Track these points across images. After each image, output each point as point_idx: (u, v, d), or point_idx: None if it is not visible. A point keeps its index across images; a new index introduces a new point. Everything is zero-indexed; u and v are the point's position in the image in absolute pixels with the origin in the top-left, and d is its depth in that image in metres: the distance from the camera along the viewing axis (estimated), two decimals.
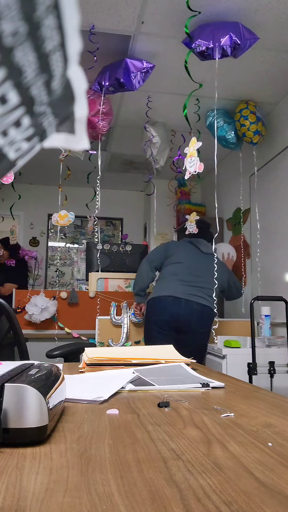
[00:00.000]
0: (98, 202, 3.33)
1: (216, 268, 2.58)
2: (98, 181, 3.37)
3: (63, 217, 3.14)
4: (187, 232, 2.88)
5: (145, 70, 2.86)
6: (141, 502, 0.40)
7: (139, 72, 2.86)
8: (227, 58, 2.60)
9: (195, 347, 2.64)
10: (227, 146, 3.65)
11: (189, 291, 2.70)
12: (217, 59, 2.53)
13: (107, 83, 2.91)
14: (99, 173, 3.21)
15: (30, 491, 0.43)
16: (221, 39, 2.48)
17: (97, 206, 3.31)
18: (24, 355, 1.58)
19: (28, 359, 1.59)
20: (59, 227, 3.37)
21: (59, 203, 3.55)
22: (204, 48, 2.52)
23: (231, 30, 2.50)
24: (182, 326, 2.65)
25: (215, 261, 2.63)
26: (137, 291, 2.96)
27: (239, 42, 2.49)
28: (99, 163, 3.26)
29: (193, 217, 2.92)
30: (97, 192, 3.29)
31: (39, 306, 3.29)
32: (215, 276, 2.56)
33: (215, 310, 2.67)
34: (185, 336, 2.65)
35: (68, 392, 0.81)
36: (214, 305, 2.66)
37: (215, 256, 2.67)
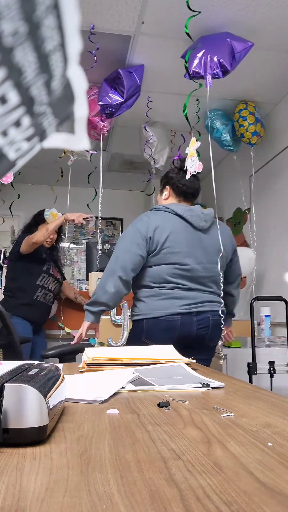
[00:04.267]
0: (100, 202, 3.32)
1: (221, 239, 1.98)
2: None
3: (55, 216, 3.14)
4: (187, 177, 2.01)
5: (117, 78, 2.93)
6: (141, 502, 0.40)
7: (120, 83, 2.93)
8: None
9: (200, 361, 1.58)
10: (224, 147, 3.65)
11: (199, 297, 1.94)
12: (208, 88, 2.57)
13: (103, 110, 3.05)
14: (100, 173, 3.21)
15: (30, 491, 0.43)
16: (212, 67, 2.55)
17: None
18: (18, 356, 1.56)
19: (22, 360, 1.57)
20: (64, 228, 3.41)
21: (68, 202, 3.61)
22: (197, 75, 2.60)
23: (221, 54, 2.53)
24: (192, 344, 1.91)
25: (218, 229, 2.00)
26: (100, 309, 2.05)
27: (229, 68, 2.57)
28: (101, 163, 3.26)
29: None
30: (99, 192, 3.29)
31: None
32: (221, 252, 1.97)
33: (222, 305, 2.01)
34: (191, 353, 1.55)
35: (68, 392, 0.81)
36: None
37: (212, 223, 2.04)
